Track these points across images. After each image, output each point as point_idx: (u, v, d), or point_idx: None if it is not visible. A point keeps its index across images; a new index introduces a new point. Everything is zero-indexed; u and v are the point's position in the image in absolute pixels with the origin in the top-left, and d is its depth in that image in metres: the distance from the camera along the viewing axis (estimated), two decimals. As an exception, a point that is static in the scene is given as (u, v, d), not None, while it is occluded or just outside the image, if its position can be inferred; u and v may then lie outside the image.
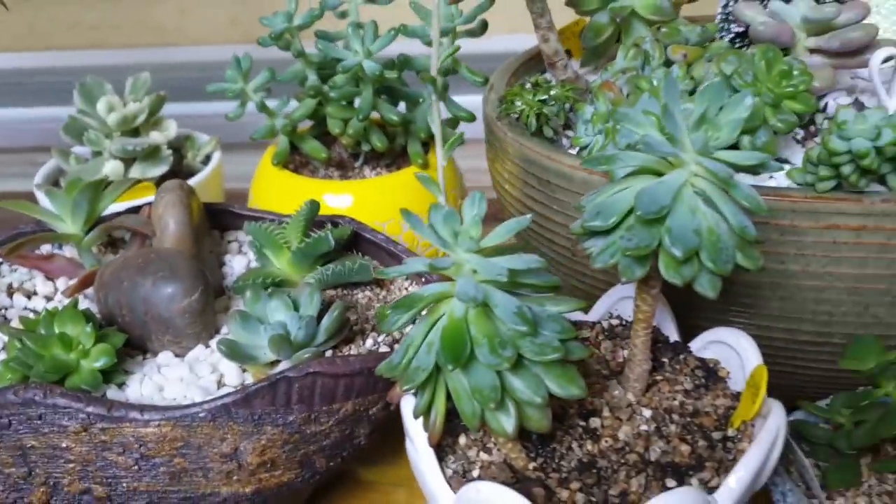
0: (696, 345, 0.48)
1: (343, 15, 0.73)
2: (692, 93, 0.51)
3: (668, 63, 0.54)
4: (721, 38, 0.60)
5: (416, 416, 0.40)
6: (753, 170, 0.38)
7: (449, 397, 0.38)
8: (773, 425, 0.40)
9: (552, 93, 0.56)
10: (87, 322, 0.47)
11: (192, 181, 0.72)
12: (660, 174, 0.39)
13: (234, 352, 0.47)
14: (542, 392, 0.37)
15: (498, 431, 0.38)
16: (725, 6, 0.64)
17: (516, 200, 0.60)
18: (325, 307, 0.51)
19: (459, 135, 0.61)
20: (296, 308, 0.50)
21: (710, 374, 0.45)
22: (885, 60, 0.54)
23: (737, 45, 0.62)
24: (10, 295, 0.58)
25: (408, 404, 0.42)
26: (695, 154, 0.37)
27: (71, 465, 0.45)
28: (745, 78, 0.48)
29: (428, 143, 0.73)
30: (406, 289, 0.58)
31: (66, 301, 0.55)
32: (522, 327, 0.36)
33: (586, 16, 0.62)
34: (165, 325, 0.50)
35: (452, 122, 0.73)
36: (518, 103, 0.57)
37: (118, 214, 0.60)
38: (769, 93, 0.48)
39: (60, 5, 1.43)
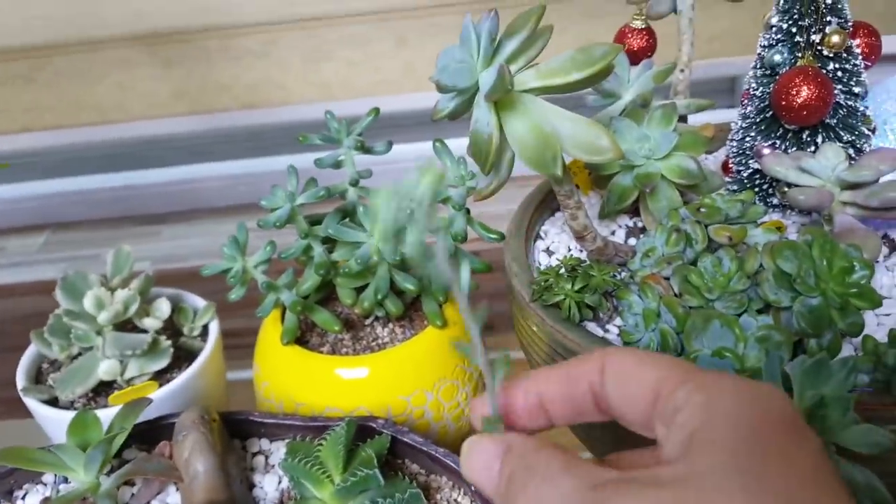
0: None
1: (338, 165, 0.69)
2: (746, 290, 0.49)
3: (710, 245, 0.52)
4: (757, 203, 0.58)
5: None
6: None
7: None
8: None
9: (592, 279, 0.53)
10: None
11: (194, 366, 0.67)
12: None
13: None
14: None
15: None
16: (742, 140, 0.62)
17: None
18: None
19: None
20: (353, 566, 0.47)
21: None
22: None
23: (758, 186, 0.60)
24: (21, 556, 0.53)
25: None
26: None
27: None
28: (808, 282, 0.46)
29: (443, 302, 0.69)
30: (456, 500, 0.54)
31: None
32: None
33: (608, 179, 0.59)
34: None
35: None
36: (555, 290, 0.54)
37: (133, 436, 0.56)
38: (835, 296, 0.46)
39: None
